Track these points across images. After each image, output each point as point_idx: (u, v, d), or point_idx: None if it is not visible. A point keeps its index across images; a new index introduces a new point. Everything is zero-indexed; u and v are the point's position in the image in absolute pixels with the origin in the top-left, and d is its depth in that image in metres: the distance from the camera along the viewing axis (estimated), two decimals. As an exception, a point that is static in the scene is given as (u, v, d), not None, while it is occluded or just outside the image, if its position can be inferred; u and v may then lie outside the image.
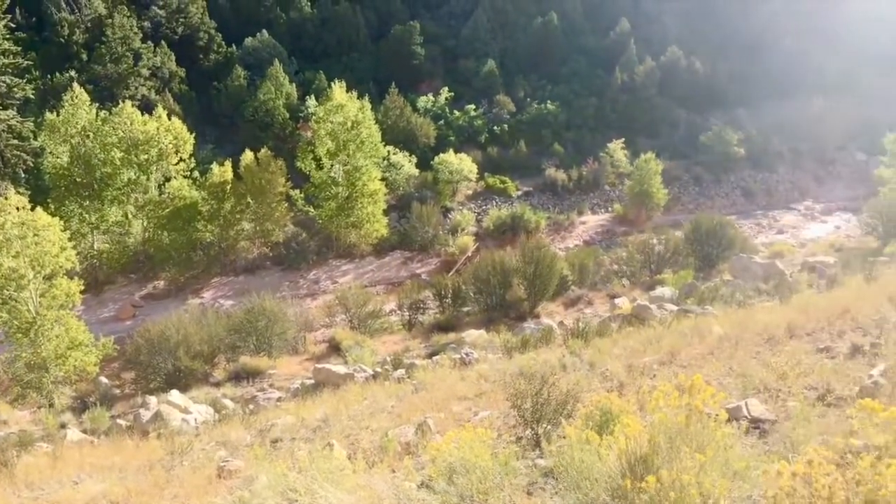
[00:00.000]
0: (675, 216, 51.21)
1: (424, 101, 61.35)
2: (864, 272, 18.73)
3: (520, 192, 54.28)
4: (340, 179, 43.46)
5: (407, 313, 30.40)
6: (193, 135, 42.43)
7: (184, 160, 41.74)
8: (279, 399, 19.13)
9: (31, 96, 46.30)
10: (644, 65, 66.20)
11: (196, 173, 43.15)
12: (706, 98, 65.28)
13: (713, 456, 4.00)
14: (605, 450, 4.47)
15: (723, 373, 9.24)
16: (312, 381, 19.73)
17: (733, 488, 3.92)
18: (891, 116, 49.49)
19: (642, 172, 50.37)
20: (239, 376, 22.49)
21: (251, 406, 18.73)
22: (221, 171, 42.38)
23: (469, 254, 44.70)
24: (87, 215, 39.67)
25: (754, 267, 26.26)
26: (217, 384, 22.49)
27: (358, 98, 44.68)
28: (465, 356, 19.09)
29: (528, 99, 63.63)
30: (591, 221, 52.78)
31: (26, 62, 46.48)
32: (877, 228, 33.01)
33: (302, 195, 45.26)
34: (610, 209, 54.06)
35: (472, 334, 23.39)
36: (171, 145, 40.87)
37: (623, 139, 57.56)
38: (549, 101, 62.78)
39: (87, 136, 39.58)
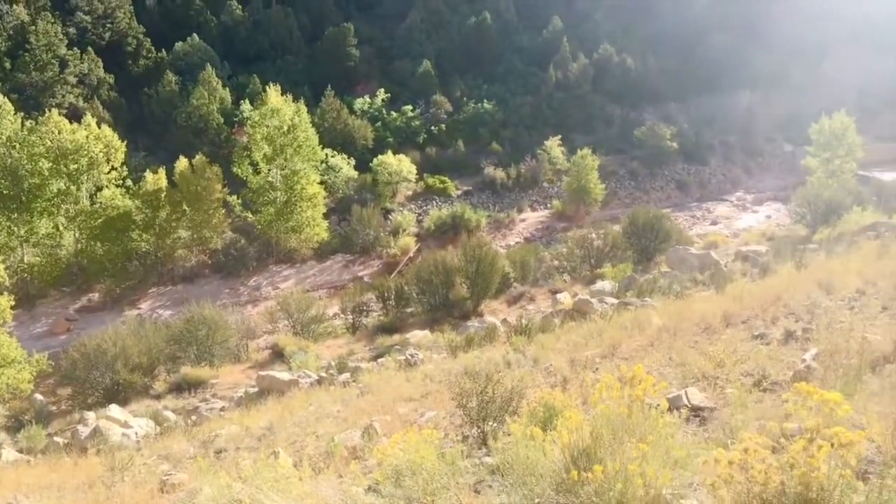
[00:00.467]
0: (612, 211, 52.02)
1: (361, 102, 61.08)
2: (795, 259, 19.28)
3: (460, 192, 54.47)
4: (278, 184, 42.97)
5: (350, 316, 30.20)
6: (125, 143, 41.42)
7: (115, 169, 40.68)
8: (222, 409, 18.79)
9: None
10: (578, 62, 67.13)
11: (129, 182, 42.07)
12: (639, 94, 66.59)
13: (655, 445, 4.06)
14: (549, 445, 4.51)
15: (663, 363, 9.41)
16: (256, 389, 19.44)
17: (675, 476, 3.99)
18: (815, 108, 51.13)
19: (579, 168, 51.07)
20: (180, 387, 22.03)
21: (194, 417, 18.36)
22: (155, 179, 41.45)
23: (411, 254, 44.68)
24: (15, 228, 38.30)
25: (690, 258, 26.82)
26: (158, 396, 21.98)
27: (293, 101, 44.23)
28: (410, 357, 19.04)
29: (465, 98, 63.91)
30: (531, 218, 53.27)
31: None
32: (805, 217, 34.03)
33: (240, 201, 44.58)
34: (549, 206, 54.65)
35: (417, 335, 23.36)
36: (101, 154, 39.76)
37: (559, 136, 58.24)
38: (485, 101, 63.20)
39: (13, 147, 38.22)
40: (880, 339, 7.46)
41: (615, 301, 20.87)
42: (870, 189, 39.92)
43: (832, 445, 2.99)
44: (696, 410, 6.83)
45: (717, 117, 65.73)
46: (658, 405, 4.64)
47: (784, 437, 3.33)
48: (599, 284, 25.81)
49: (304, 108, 44.61)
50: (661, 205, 53.13)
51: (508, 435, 5.81)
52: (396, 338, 23.92)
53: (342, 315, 31.66)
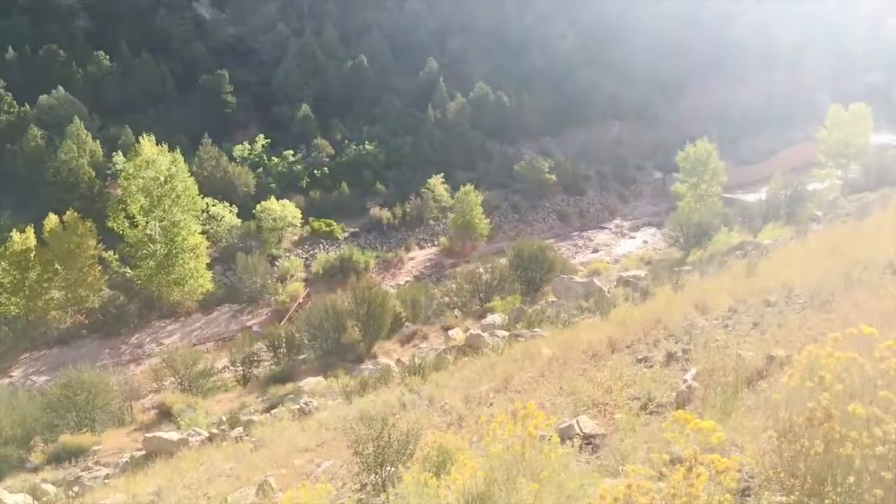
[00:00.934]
0: (498, 244, 52.92)
1: (240, 149, 60.13)
2: (672, 282, 20.10)
3: (346, 234, 54.24)
4: (158, 236, 41.52)
5: (240, 368, 29.31)
6: (-14, 202, 39.20)
7: (-23, 230, 38.39)
8: (107, 476, 17.75)
9: None
10: (455, 101, 68.47)
11: (-7, 243, 39.73)
12: (516, 129, 68.46)
13: (548, 481, 4.10)
14: (444, 490, 4.48)
15: (554, 393, 9.58)
16: (143, 453, 18.47)
17: (569, 510, 4.04)
18: (680, 136, 54.04)
19: (463, 205, 51.85)
20: (60, 457, 20.66)
21: (76, 488, 17.24)
22: (23, 239, 39.31)
23: (300, 300, 43.96)
24: None
25: (575, 286, 27.53)
26: (35, 469, 20.54)
27: (170, 151, 43.04)
28: (304, 406, 18.62)
29: (346, 141, 63.95)
30: (419, 256, 53.54)
31: None
32: (679, 240, 35.60)
33: (116, 256, 42.80)
34: (436, 243, 55.14)
35: (310, 382, 22.90)
36: (-39, 215, 37.48)
37: (442, 174, 59.05)
38: (366, 142, 63.44)
39: None
40: (753, 355, 7.85)
41: (506, 333, 21.11)
42: (735, 210, 42.24)
43: (710, 472, 3.11)
44: (588, 438, 6.98)
45: (591, 149, 68.39)
46: (550, 438, 4.70)
47: (666, 466, 3.43)
48: (490, 318, 26.08)
49: (181, 158, 43.48)
50: (544, 236, 54.50)
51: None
52: (289, 386, 23.36)
53: (232, 367, 30.69)
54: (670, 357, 9.47)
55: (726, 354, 8.11)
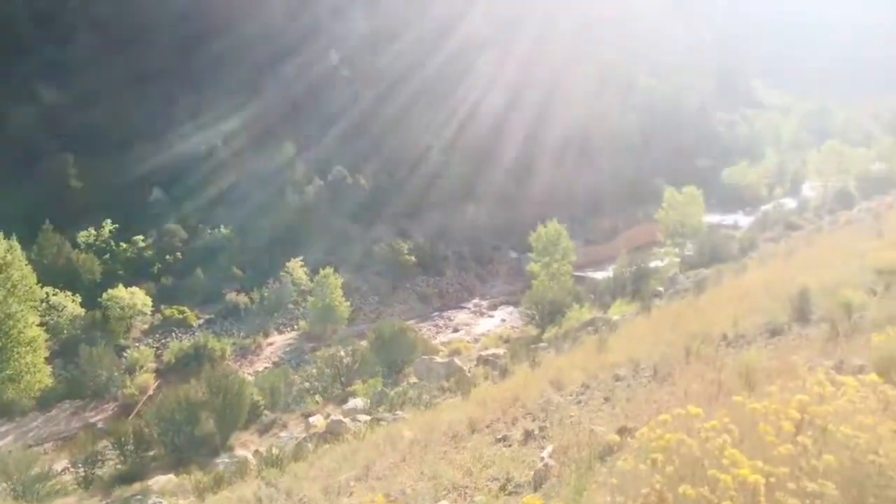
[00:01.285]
0: (359, 327, 52.55)
1: (85, 235, 57.30)
2: (529, 359, 20.58)
3: (201, 321, 52.30)
4: (-11, 329, 38.42)
5: (82, 469, 27.18)
6: None
7: None
8: None
9: None
10: (313, 184, 68.53)
11: None
12: (376, 211, 69.13)
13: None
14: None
15: (416, 478, 9.47)
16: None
17: None
18: (533, 218, 56.17)
19: (323, 288, 51.33)
20: None
21: None
22: None
23: (150, 392, 41.63)
24: None
25: (436, 367, 27.62)
26: None
27: (5, 238, 40.35)
28: (153, 507, 17.45)
29: (201, 225, 62.32)
30: (278, 342, 52.24)
31: None
32: (535, 317, 36.64)
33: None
34: (296, 327, 54.10)
35: (161, 480, 21.52)
36: None
37: (302, 257, 58.46)
38: (222, 226, 62.04)
39: None
40: (604, 429, 8.11)
41: (368, 418, 20.80)
42: (586, 288, 44.13)
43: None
44: (448, 524, 6.92)
45: (449, 230, 69.94)
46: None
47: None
48: (352, 402, 25.65)
49: (17, 246, 40.79)
50: (405, 317, 54.63)
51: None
52: (137, 486, 21.84)
53: (73, 469, 28.41)
54: (528, 435, 9.62)
55: (580, 430, 8.34)
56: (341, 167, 71.33)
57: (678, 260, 55.80)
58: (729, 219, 75.48)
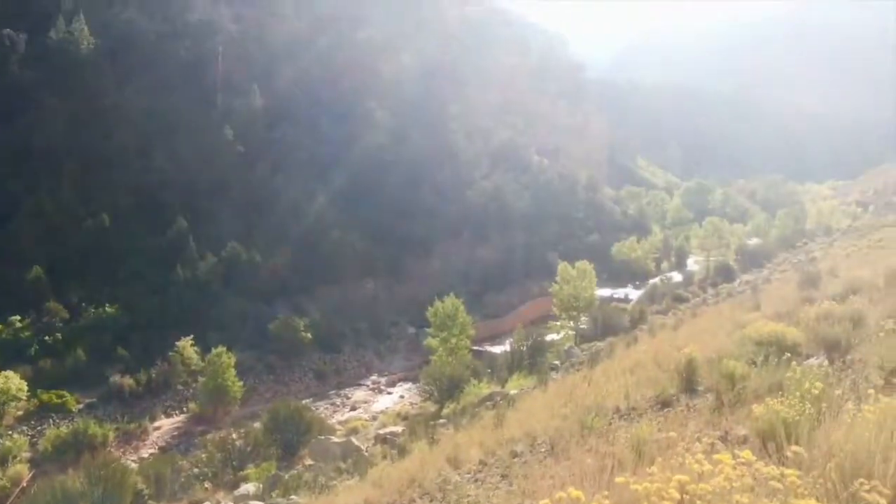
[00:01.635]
0: (253, 407, 50.88)
1: (-45, 316, 53.71)
2: (427, 437, 20.35)
3: (82, 405, 49.38)
4: None
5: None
6: None
7: None
8: None
9: None
10: (206, 261, 66.92)
11: None
12: (271, 288, 67.90)
13: None
14: None
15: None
16: None
17: None
18: (430, 293, 56.46)
19: (215, 367, 49.63)
20: None
21: None
22: None
23: (24, 484, 38.66)
24: None
25: (333, 447, 26.93)
26: None
27: None
28: None
29: (84, 304, 59.46)
30: (166, 425, 49.86)
31: None
32: (433, 394, 36.43)
33: None
34: (186, 409, 51.86)
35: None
36: None
37: (192, 336, 56.45)
38: (107, 305, 59.41)
39: None
40: (501, 508, 8.02)
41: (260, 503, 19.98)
42: (484, 362, 44.35)
43: None
44: None
45: (346, 306, 69.26)
46: None
47: None
48: (244, 488, 24.61)
49: None
50: (301, 396, 53.37)
51: None
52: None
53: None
54: (424, 517, 9.41)
55: (476, 510, 8.21)
56: (235, 243, 70.02)
57: (573, 333, 57.08)
58: (620, 292, 77.96)
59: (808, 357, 10.07)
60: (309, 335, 62.21)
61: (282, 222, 77.23)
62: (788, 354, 9.37)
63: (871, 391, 7.05)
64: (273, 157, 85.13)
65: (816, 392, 5.84)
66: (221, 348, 50.90)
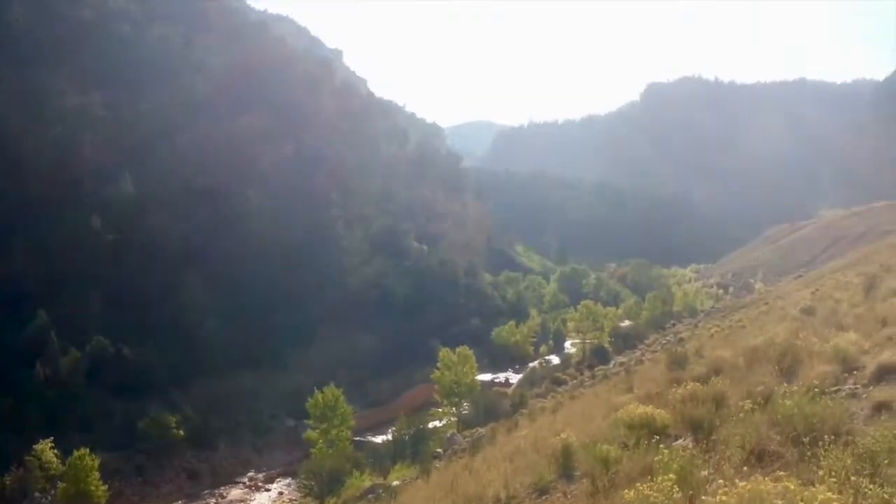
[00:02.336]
0: (118, 513, 47.57)
1: None
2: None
3: (-79, 521, 44.77)
4: None
5: None
6: None
7: None
8: None
9: None
10: (69, 356, 63.11)
11: None
12: (140, 383, 64.49)
13: None
14: None
15: None
16: None
17: None
18: (311, 384, 55.08)
19: (77, 471, 46.22)
20: None
21: None
22: None
23: None
24: None
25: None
26: None
27: None
28: None
29: (-72, 406, 54.60)
30: (20, 539, 45.76)
31: None
32: (313, 488, 35.26)
33: None
34: (43, 519, 47.81)
35: None
36: None
37: (52, 438, 52.52)
38: (-44, 406, 54.77)
39: None
40: None
41: None
42: (365, 453, 43.44)
43: None
44: None
45: (223, 400, 66.58)
46: None
47: None
48: None
49: None
50: (172, 498, 50.54)
51: None
52: None
53: None
54: None
55: None
56: (101, 336, 66.48)
57: (455, 419, 56.91)
58: (500, 376, 78.76)
59: (676, 438, 10.40)
60: (181, 432, 59.12)
61: (153, 313, 74.06)
62: (657, 437, 9.66)
63: (733, 471, 7.36)
64: (144, 245, 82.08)
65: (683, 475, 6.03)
66: (84, 450, 47.54)
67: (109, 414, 61.03)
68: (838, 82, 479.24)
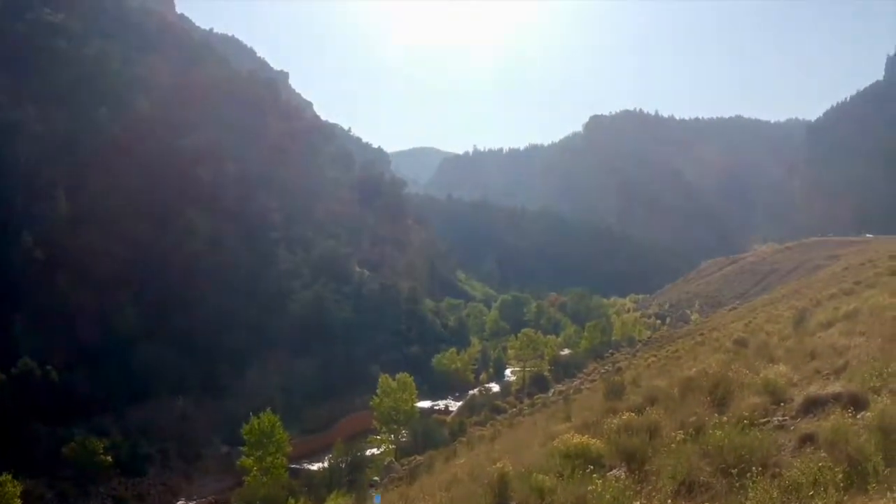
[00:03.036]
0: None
1: None
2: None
3: None
4: None
5: None
6: None
7: None
8: None
9: None
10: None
11: None
12: (69, 408, 62.29)
13: None
14: None
15: None
16: None
17: None
18: (247, 409, 53.92)
19: (-4, 498, 44.35)
20: None
21: None
22: None
23: None
24: None
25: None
26: None
27: None
28: None
29: None
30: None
31: None
32: (245, 518, 34.41)
33: None
34: (-43, 550, 45.60)
35: None
36: None
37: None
38: None
39: None
40: None
41: None
42: (301, 481, 42.65)
43: None
44: None
45: (154, 425, 64.74)
46: None
47: None
48: None
49: None
50: (97, 527, 48.58)
51: None
52: None
53: None
54: None
55: None
56: (29, 359, 64.09)
57: (393, 447, 56.35)
58: (440, 403, 78.42)
59: (610, 468, 10.44)
60: (109, 458, 57.13)
61: (84, 335, 71.79)
62: (592, 467, 9.69)
63: (664, 502, 7.42)
64: (77, 266, 79.61)
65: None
66: (6, 476, 45.64)
67: (35, 438, 58.72)
68: (772, 121, 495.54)
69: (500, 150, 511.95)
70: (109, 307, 76.50)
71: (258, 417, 49.11)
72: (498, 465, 12.37)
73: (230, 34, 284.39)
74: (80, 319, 73.41)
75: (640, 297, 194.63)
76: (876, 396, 8.73)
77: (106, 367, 68.40)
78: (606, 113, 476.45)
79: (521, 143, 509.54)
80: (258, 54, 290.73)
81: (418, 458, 39.64)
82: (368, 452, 50.89)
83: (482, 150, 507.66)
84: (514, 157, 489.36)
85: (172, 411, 67.55)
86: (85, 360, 68.40)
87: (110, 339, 72.12)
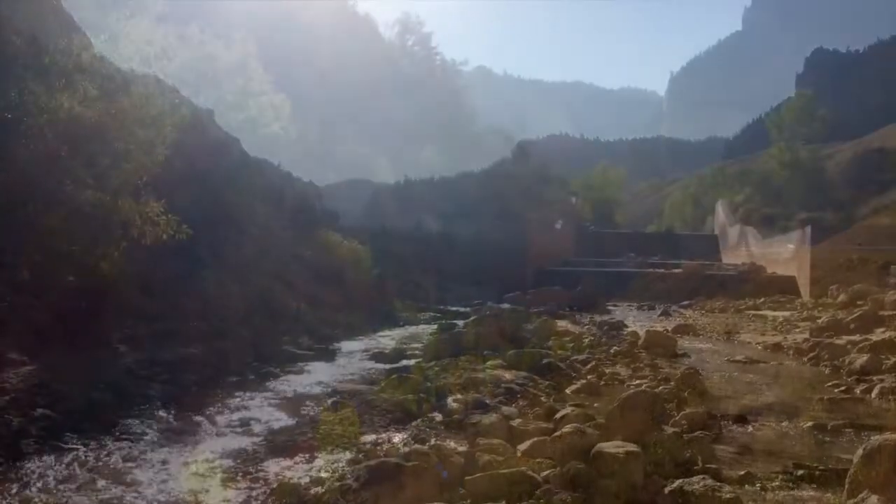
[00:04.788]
0: None
1: None
2: None
3: None
4: None
5: None
6: None
7: None
8: None
9: None
10: None
11: None
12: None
13: None
14: None
15: None
16: None
17: None
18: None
19: None
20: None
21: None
22: None
23: None
24: None
25: None
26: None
27: None
28: None
29: None
30: None
31: None
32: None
33: None
34: None
35: None
36: None
37: None
38: None
39: None
40: None
41: None
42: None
43: None
44: None
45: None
46: None
47: None
48: None
49: None
50: None
51: None
52: None
53: None
54: None
55: None
56: None
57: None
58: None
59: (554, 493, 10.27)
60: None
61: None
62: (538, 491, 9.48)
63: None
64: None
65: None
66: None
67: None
68: (693, 140, 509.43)
69: (431, 178, 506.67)
70: None
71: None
72: None
73: (150, 71, 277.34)
74: None
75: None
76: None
77: None
78: (533, 137, 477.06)
79: (452, 171, 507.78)
80: (182, 92, 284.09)
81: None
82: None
83: (413, 179, 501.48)
84: (446, 185, 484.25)
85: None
86: None
87: None
